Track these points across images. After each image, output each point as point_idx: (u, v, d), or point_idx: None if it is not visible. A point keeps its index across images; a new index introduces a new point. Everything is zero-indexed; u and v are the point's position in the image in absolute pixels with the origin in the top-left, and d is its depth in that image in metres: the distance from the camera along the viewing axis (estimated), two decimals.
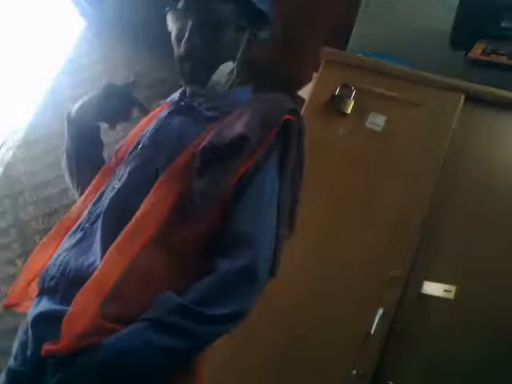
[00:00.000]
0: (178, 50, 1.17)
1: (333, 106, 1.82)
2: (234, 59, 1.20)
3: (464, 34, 1.97)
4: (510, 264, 1.58)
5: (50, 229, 1.23)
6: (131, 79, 1.23)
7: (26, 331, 1.03)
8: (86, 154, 1.27)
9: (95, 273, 0.98)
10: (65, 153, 1.30)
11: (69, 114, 1.24)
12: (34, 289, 1.09)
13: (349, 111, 1.81)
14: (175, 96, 1.27)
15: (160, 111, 1.27)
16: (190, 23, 1.13)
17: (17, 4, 2.41)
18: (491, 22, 1.94)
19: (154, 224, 1.01)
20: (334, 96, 1.83)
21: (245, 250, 1.01)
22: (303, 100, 2.05)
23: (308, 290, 1.61)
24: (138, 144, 1.18)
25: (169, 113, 1.21)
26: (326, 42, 2.18)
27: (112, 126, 1.20)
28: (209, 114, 1.15)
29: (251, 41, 1.22)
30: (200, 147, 1.05)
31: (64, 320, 0.93)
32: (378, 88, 1.82)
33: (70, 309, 0.94)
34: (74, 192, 1.34)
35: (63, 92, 2.55)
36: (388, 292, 1.57)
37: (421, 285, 1.59)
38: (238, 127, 1.05)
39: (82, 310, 0.94)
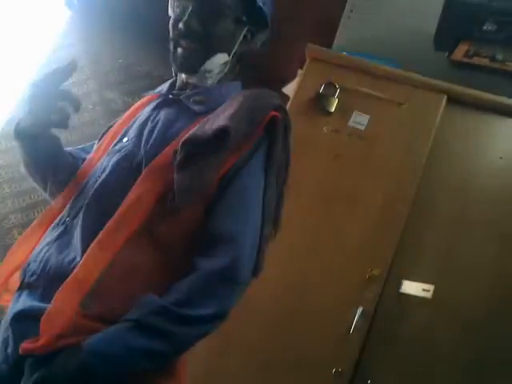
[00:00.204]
0: (174, 32, 1.15)
1: (317, 104, 1.83)
2: (228, 53, 1.18)
3: (447, 35, 1.99)
4: (485, 264, 1.60)
5: (28, 222, 1.20)
6: (68, 64, 1.05)
7: (7, 328, 1.00)
8: (45, 166, 1.20)
9: (75, 270, 0.95)
10: (25, 170, 1.22)
11: (14, 130, 1.13)
12: (16, 281, 1.07)
13: (333, 109, 1.81)
14: (163, 87, 1.24)
15: (147, 102, 1.24)
16: (190, 7, 1.12)
17: None
18: (474, 25, 1.97)
19: (137, 218, 0.99)
20: (318, 94, 1.84)
21: (227, 249, 0.99)
22: (288, 97, 2.05)
23: (289, 288, 1.62)
24: (123, 136, 1.15)
25: (156, 105, 1.18)
26: (312, 40, 2.19)
27: (60, 127, 1.06)
28: (196, 108, 1.13)
29: (247, 38, 1.20)
30: (182, 140, 1.01)
31: (43, 318, 0.92)
32: (361, 87, 1.83)
33: (49, 307, 0.93)
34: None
35: None
36: (368, 291, 1.58)
37: (400, 284, 1.60)
38: (222, 120, 1.02)
39: (61, 308, 0.92)
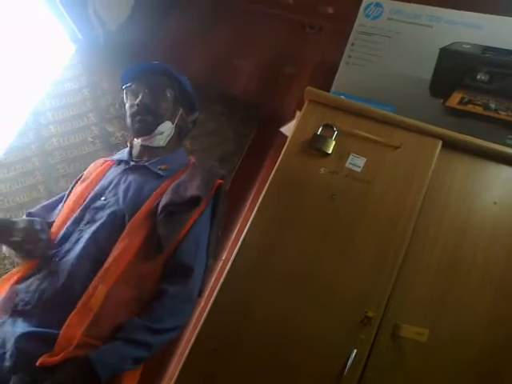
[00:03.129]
0: (131, 111, 1.65)
1: (314, 144, 1.85)
2: (172, 122, 1.69)
3: (442, 83, 2.04)
4: (479, 308, 1.59)
5: None
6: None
7: (2, 345, 1.30)
8: None
9: (84, 298, 1.33)
10: None
11: None
12: None
13: (330, 151, 1.84)
14: (123, 156, 1.69)
15: (107, 168, 1.65)
16: (141, 92, 1.64)
17: (7, 26, 2.43)
18: (468, 74, 2.02)
19: (124, 262, 1.38)
20: (315, 135, 1.86)
21: (187, 279, 1.44)
22: (286, 137, 2.08)
23: (282, 328, 1.59)
24: (99, 195, 1.54)
25: (123, 170, 1.60)
26: (311, 82, 2.24)
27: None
28: (162, 173, 1.59)
29: (183, 116, 1.75)
30: (163, 203, 1.45)
31: (60, 338, 1.27)
32: (358, 130, 1.86)
33: (63, 331, 1.28)
34: None
35: (46, 115, 2.55)
36: (362, 333, 1.55)
37: (394, 327, 1.58)
38: (194, 190, 1.50)
39: (74, 330, 1.29)
